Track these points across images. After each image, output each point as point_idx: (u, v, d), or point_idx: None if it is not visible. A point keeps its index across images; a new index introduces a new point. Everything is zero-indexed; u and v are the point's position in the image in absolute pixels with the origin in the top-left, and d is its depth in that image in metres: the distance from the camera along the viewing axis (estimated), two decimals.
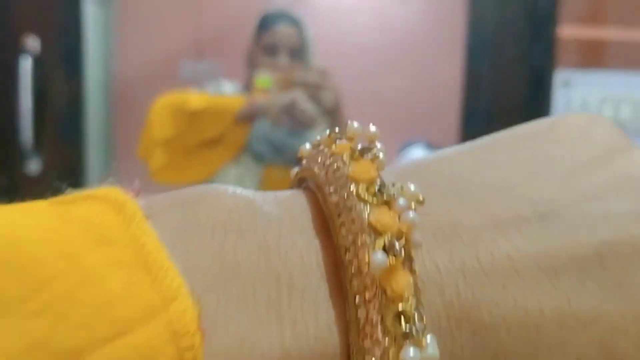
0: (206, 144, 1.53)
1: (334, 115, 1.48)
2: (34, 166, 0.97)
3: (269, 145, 1.56)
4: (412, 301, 0.12)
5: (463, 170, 0.15)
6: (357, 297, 0.12)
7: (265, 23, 1.62)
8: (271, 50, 1.56)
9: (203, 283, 0.12)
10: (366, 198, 0.13)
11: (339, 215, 0.13)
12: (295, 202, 0.14)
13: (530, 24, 0.98)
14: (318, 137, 0.17)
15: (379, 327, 0.12)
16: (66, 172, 1.00)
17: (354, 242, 0.12)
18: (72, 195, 0.14)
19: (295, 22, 1.62)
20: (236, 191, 0.14)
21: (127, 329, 0.10)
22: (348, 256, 0.12)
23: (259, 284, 0.12)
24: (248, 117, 1.49)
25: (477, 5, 1.00)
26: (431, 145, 4.06)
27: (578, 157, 0.15)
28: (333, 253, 0.13)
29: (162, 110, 1.50)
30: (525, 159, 0.15)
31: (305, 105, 1.45)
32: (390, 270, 0.12)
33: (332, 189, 0.13)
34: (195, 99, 1.55)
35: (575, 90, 1.15)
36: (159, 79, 3.97)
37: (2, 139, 0.98)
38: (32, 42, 0.96)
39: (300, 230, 0.13)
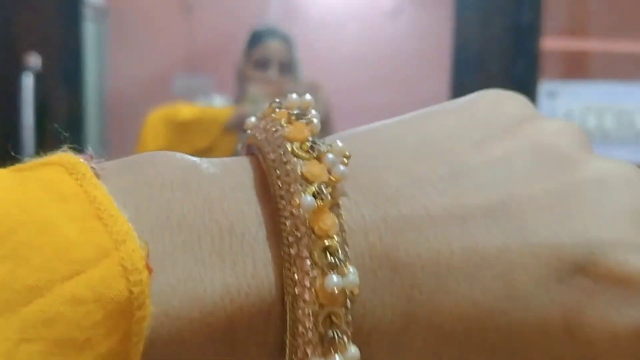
0: (198, 153, 1.55)
1: (323, 128, 1.51)
2: None
3: None
4: (337, 239, 0.14)
5: (390, 136, 0.17)
6: (290, 237, 0.14)
7: (256, 38, 1.66)
8: (262, 65, 1.60)
9: (151, 231, 0.13)
10: (299, 154, 0.15)
11: (275, 170, 0.15)
12: (238, 164, 0.16)
13: (514, 38, 1.02)
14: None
15: (308, 261, 0.14)
16: None
17: (288, 190, 0.14)
18: (29, 162, 0.15)
19: (284, 38, 1.66)
20: (183, 155, 0.16)
21: (83, 268, 0.12)
22: (282, 203, 0.14)
23: (203, 232, 0.14)
24: (236, 126, 1.51)
25: (462, 21, 1.03)
26: None
27: (492, 126, 0.17)
28: (270, 204, 0.15)
29: (154, 123, 1.53)
30: (447, 127, 0.17)
31: None
32: (318, 212, 0.14)
33: (270, 149, 0.15)
34: (185, 110, 1.58)
35: (559, 101, 1.19)
36: (152, 93, 3.99)
37: (5, 151, 1.01)
38: (34, 60, 0.99)
39: (241, 188, 0.15)
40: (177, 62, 3.89)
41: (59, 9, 1.00)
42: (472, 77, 1.04)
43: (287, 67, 1.63)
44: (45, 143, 1.00)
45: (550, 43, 1.11)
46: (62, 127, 1.00)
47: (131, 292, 0.12)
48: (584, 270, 0.15)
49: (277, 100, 0.19)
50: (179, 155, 0.16)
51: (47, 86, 0.99)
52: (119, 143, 4.03)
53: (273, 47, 1.63)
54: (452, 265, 0.14)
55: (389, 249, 0.14)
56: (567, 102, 1.19)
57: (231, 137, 1.57)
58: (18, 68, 0.98)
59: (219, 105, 1.70)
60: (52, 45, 1.00)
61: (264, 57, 1.62)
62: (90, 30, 3.70)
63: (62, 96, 1.00)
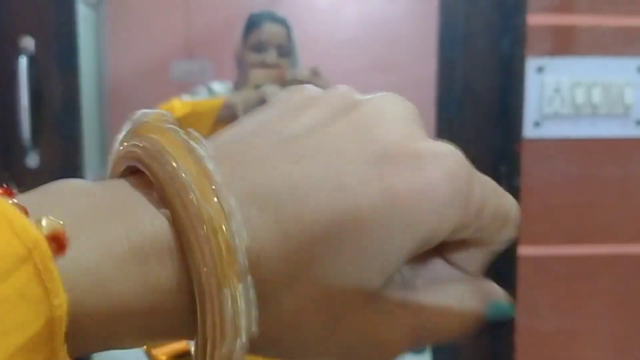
0: None
1: None
2: (32, 160, 1.04)
3: None
4: (213, 180, 0.18)
5: (248, 128, 0.23)
6: (174, 193, 0.18)
7: (253, 22, 1.68)
8: (259, 48, 1.62)
9: (68, 217, 0.17)
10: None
11: (154, 158, 0.19)
12: (121, 181, 0.20)
13: (500, 14, 1.04)
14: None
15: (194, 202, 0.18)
16: (64, 165, 1.05)
17: (166, 164, 0.18)
18: None
19: (281, 21, 1.68)
20: (81, 180, 0.20)
21: (7, 277, 0.14)
22: (162, 174, 0.18)
23: (107, 214, 0.18)
24: (227, 117, 1.53)
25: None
26: None
27: (322, 113, 0.23)
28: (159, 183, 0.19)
29: None
30: (278, 111, 0.23)
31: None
32: (195, 175, 0.18)
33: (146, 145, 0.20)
34: (178, 106, 1.59)
35: (547, 76, 1.20)
36: (150, 78, 4.02)
37: (2, 135, 1.04)
38: (28, 43, 1.01)
39: (129, 187, 0.19)
40: (175, 48, 3.91)
41: None
42: (459, 54, 1.06)
43: (285, 50, 1.65)
44: (41, 125, 1.02)
45: (537, 19, 1.13)
46: (57, 109, 1.03)
47: (46, 288, 0.15)
48: (389, 156, 0.21)
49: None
50: (77, 180, 0.20)
51: (42, 69, 1.01)
52: (118, 128, 4.03)
53: (270, 30, 1.64)
54: (300, 191, 0.19)
55: (257, 188, 0.19)
56: (556, 77, 1.21)
57: (224, 128, 1.57)
58: (12, 52, 1.00)
59: (220, 91, 1.71)
60: (46, 28, 1.02)
61: (261, 40, 1.63)
62: (87, 16, 3.71)
63: (57, 78, 1.02)
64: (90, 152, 3.79)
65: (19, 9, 1.02)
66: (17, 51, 1.01)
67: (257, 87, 1.51)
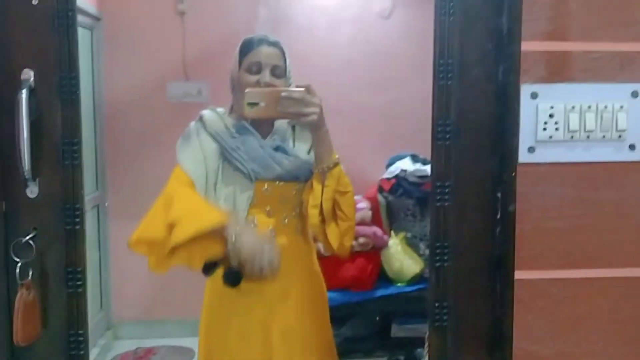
0: None
1: (319, 129, 1.57)
2: (32, 191, 1.05)
3: (259, 162, 1.65)
4: None
5: None
6: None
7: (247, 46, 1.72)
8: (254, 69, 1.66)
9: None
10: None
11: None
12: None
13: (495, 42, 1.06)
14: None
15: None
16: (64, 195, 1.06)
17: None
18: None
19: (275, 44, 1.72)
20: None
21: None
22: None
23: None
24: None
25: (442, 27, 1.07)
26: (418, 158, 4.08)
27: None
28: None
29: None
30: None
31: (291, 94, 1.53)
32: None
33: None
34: (175, 236, 1.47)
35: (542, 102, 1.22)
36: (147, 99, 4.02)
37: (3, 166, 1.05)
38: (28, 75, 1.03)
39: None
40: (171, 69, 3.92)
41: (52, 25, 1.03)
42: (454, 82, 1.07)
43: (280, 71, 1.69)
44: (42, 157, 1.04)
45: (531, 45, 1.15)
46: (57, 141, 1.04)
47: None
48: None
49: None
50: None
51: (42, 101, 1.02)
52: (116, 149, 4.05)
53: (265, 52, 1.68)
54: None
55: None
56: (550, 103, 1.22)
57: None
58: (13, 84, 1.02)
59: (210, 120, 1.70)
60: (46, 60, 1.03)
61: (256, 62, 1.67)
62: (82, 37, 3.71)
63: (57, 110, 1.04)
64: (85, 173, 3.77)
65: (20, 41, 1.03)
66: (17, 83, 1.02)
67: (252, 105, 1.53)
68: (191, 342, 3.46)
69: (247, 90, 1.57)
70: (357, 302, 3.36)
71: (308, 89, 1.55)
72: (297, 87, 1.57)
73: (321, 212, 1.61)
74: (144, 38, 3.88)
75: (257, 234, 1.56)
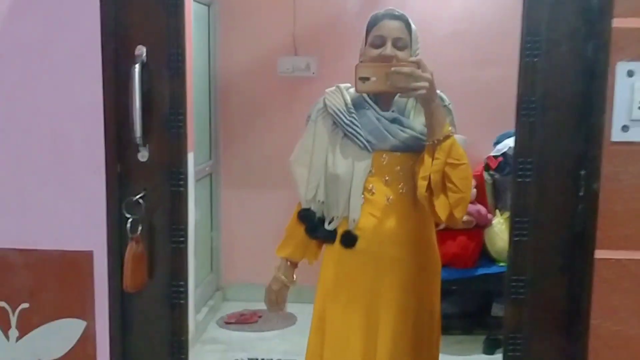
0: None
1: (429, 102, 1.60)
2: (143, 155, 1.18)
3: (374, 134, 1.74)
4: None
5: None
6: None
7: (372, 21, 1.78)
8: (378, 43, 1.73)
9: None
10: None
11: None
12: None
13: (585, 18, 1.05)
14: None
15: None
16: (170, 160, 1.19)
17: None
18: None
19: (398, 16, 1.76)
20: None
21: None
22: None
23: None
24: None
25: (531, 3, 1.07)
26: None
27: None
28: None
29: None
30: None
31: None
32: None
33: None
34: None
35: (638, 80, 1.19)
36: (258, 73, 4.16)
37: (118, 132, 1.19)
38: (141, 51, 1.15)
39: None
40: (282, 45, 4.03)
41: (163, 6, 1.14)
42: (541, 58, 1.08)
43: (403, 43, 1.74)
44: (152, 125, 1.17)
45: (626, 22, 1.12)
46: (165, 111, 1.16)
47: None
48: None
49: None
50: None
51: (153, 75, 1.14)
52: (229, 121, 4.24)
53: (388, 25, 1.74)
54: None
55: None
56: None
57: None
58: (128, 60, 1.14)
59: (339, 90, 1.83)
60: (158, 37, 1.15)
61: (379, 35, 1.73)
62: (200, 13, 3.90)
63: (166, 83, 1.15)
64: (200, 143, 3.99)
65: (134, 20, 1.15)
66: (132, 59, 1.14)
67: (363, 80, 1.58)
68: (295, 308, 3.60)
69: (357, 65, 1.62)
70: (458, 279, 3.36)
71: (419, 64, 1.58)
72: (408, 61, 1.61)
73: (429, 184, 1.64)
74: (257, 14, 4.00)
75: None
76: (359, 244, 1.74)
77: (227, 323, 3.82)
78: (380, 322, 1.75)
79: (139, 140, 1.16)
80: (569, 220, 1.11)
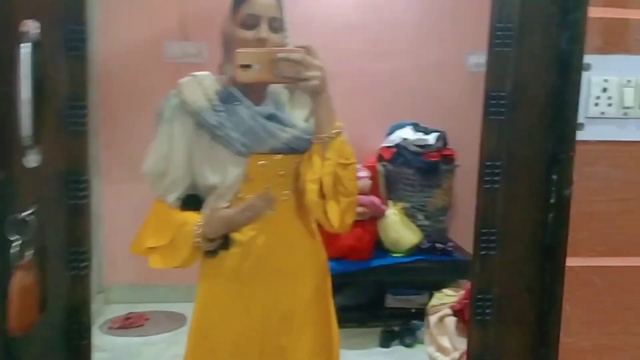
0: None
1: (319, 94, 1.40)
2: (34, 159, 0.91)
3: (249, 135, 1.48)
4: None
5: None
6: None
7: None
8: (250, 23, 1.46)
9: None
10: None
11: None
12: None
13: (559, 6, 0.93)
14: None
15: None
16: (68, 164, 0.93)
17: None
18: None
19: None
20: None
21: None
22: None
23: None
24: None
25: None
26: (419, 127, 4.00)
27: None
28: None
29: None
30: None
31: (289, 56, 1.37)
32: None
33: None
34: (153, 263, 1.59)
35: (595, 75, 1.11)
36: (144, 58, 3.88)
37: (1, 131, 0.91)
38: (31, 27, 0.89)
39: None
40: (169, 29, 3.76)
41: None
42: (512, 48, 0.95)
43: (278, 24, 1.48)
44: (45, 121, 0.90)
45: (590, 14, 1.02)
46: (63, 103, 0.90)
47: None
48: None
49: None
50: None
51: (46, 55, 0.88)
52: (109, 110, 3.92)
53: (261, 2, 1.47)
54: None
55: None
56: (604, 76, 1.11)
57: None
58: (13, 37, 0.87)
59: (207, 84, 1.54)
60: (51, 9, 0.89)
61: (252, 14, 1.46)
62: None
63: (64, 68, 0.89)
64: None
65: None
66: (18, 37, 0.87)
67: (245, 68, 1.35)
68: (184, 307, 3.39)
69: (238, 50, 1.37)
70: (353, 272, 3.30)
71: (309, 50, 1.37)
72: (296, 47, 1.39)
73: (320, 188, 1.44)
74: None
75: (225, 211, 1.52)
76: (235, 262, 1.53)
77: (111, 329, 3.56)
78: (272, 337, 1.56)
79: (27, 141, 0.88)
80: (540, 230, 0.99)
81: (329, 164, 1.42)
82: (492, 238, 0.98)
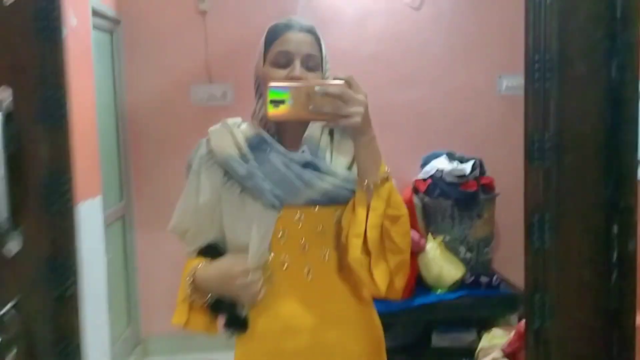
0: None
1: (363, 134, 1.23)
2: (13, 245, 0.80)
3: (283, 185, 1.32)
4: None
5: None
6: None
7: (273, 33, 1.37)
8: (283, 61, 1.34)
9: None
10: None
11: None
12: None
13: (605, 30, 0.79)
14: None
15: None
16: (52, 249, 0.82)
17: None
18: None
19: (307, 28, 1.38)
20: None
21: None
22: None
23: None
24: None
25: (536, 12, 0.80)
26: (454, 156, 3.88)
27: None
28: None
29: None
30: None
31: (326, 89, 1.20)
32: None
33: None
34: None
35: None
36: (170, 103, 3.87)
37: None
38: (3, 94, 0.79)
39: None
40: (194, 72, 3.73)
41: (33, 30, 0.79)
42: (553, 82, 0.81)
43: (314, 62, 1.34)
44: (24, 201, 0.79)
45: None
46: (43, 180, 0.79)
47: None
48: None
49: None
50: None
51: (23, 128, 0.79)
52: (140, 157, 3.91)
53: (295, 39, 1.34)
54: None
55: None
56: None
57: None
58: None
59: (238, 130, 1.42)
60: (28, 74, 0.80)
61: (284, 51, 1.33)
62: (101, 41, 3.55)
63: (43, 140, 0.79)
64: (109, 184, 3.62)
65: None
66: None
67: (276, 104, 1.19)
68: (222, 357, 3.29)
69: (270, 84, 1.22)
70: (396, 312, 3.17)
71: (349, 82, 1.21)
72: (335, 79, 1.23)
73: (365, 243, 1.26)
74: (165, 40, 3.74)
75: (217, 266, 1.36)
76: (270, 342, 1.35)
77: None
78: None
79: (4, 225, 0.78)
80: (602, 294, 0.84)
81: (374, 215, 1.26)
82: (545, 305, 0.83)
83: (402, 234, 1.29)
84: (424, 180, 3.62)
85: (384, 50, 3.80)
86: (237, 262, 1.32)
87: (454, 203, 3.50)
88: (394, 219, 1.27)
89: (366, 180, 1.25)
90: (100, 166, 3.22)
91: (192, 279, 1.35)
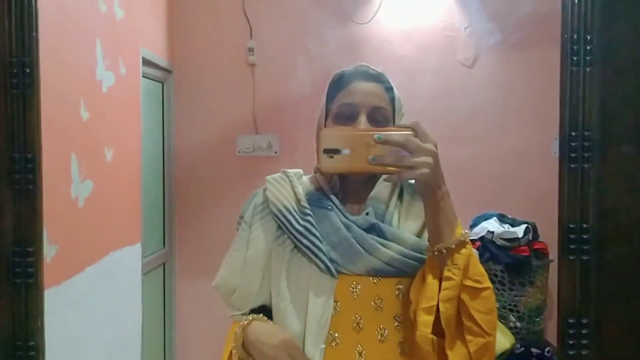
0: None
1: (433, 189, 1.03)
2: None
3: (341, 250, 1.13)
4: None
5: None
6: None
7: (338, 83, 1.20)
8: (347, 114, 1.15)
9: None
10: None
11: None
12: None
13: None
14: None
15: None
16: (16, 329, 0.72)
17: None
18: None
19: (375, 77, 1.21)
20: None
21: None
22: None
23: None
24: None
25: (573, 83, 0.68)
26: (506, 218, 3.67)
27: None
28: None
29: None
30: None
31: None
32: None
33: None
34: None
35: None
36: (216, 153, 3.86)
37: None
38: None
39: None
40: (241, 122, 3.74)
41: (3, 85, 0.71)
42: (594, 164, 0.68)
43: (382, 115, 1.16)
44: None
45: None
46: (7, 250, 0.71)
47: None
48: None
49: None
50: None
51: None
52: (184, 205, 3.93)
53: (361, 89, 1.16)
54: None
55: None
56: None
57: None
58: None
59: (287, 179, 1.24)
60: None
61: (349, 103, 1.15)
62: (153, 90, 3.60)
63: (7, 207, 0.71)
64: (152, 230, 3.61)
65: None
66: None
67: (331, 154, 1.01)
68: None
69: (322, 131, 1.04)
70: None
71: (416, 130, 1.02)
72: (398, 126, 1.05)
73: (437, 319, 1.03)
74: (214, 90, 3.79)
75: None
76: None
77: None
78: None
79: None
80: None
81: (449, 285, 1.03)
82: None
83: (485, 312, 1.04)
84: (473, 242, 3.47)
85: (437, 107, 3.72)
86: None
87: (504, 268, 3.32)
88: (474, 293, 1.03)
89: (438, 245, 1.04)
90: (142, 213, 3.19)
91: (241, 337, 1.13)
